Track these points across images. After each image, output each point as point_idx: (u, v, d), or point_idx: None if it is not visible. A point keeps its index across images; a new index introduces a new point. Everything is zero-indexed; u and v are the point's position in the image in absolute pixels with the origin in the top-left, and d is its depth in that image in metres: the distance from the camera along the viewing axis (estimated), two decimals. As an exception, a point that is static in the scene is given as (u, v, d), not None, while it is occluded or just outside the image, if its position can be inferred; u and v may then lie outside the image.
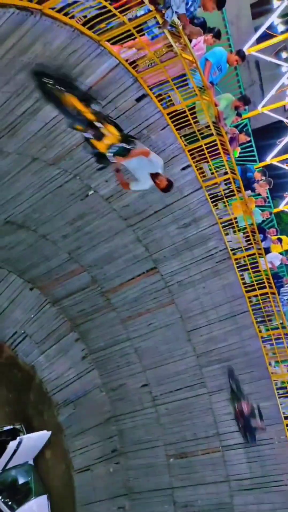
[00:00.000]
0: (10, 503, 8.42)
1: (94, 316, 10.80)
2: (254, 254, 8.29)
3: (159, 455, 10.11)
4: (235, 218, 8.10)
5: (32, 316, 10.88)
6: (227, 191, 7.94)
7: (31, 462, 9.79)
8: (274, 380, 8.74)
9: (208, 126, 7.35)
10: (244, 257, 8.32)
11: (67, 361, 11.20)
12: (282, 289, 8.86)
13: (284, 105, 8.96)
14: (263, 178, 8.53)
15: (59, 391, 11.29)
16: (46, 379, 11.26)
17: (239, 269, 8.52)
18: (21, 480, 9.22)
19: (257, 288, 8.42)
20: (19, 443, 8.59)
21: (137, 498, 10.12)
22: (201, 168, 7.97)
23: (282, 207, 9.19)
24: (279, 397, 8.63)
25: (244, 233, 8.26)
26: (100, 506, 10.43)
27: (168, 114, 7.35)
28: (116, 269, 10.12)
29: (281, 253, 9.20)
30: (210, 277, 9.08)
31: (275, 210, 9.35)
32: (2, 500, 8.40)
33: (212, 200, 8.22)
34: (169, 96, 7.23)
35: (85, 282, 10.48)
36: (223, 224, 8.33)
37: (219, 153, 7.51)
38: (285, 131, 10.40)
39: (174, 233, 9.12)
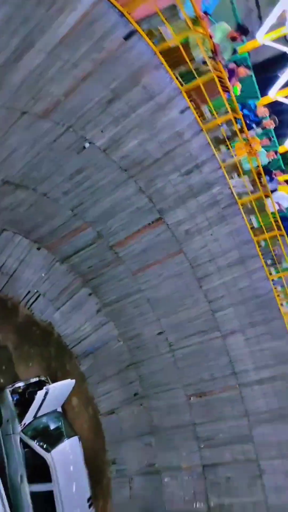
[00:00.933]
0: (45, 446, 9.22)
1: (104, 270, 11.02)
2: (260, 197, 8.13)
3: (179, 396, 10.80)
4: (239, 160, 7.84)
5: (43, 275, 11.14)
6: (229, 132, 7.59)
7: (59, 409, 10.58)
8: (287, 320, 9.00)
9: (204, 62, 6.87)
10: (250, 200, 8.16)
11: (82, 315, 11.65)
12: (290, 228, 8.80)
13: (286, 35, 8.17)
14: (267, 114, 8.04)
15: (78, 344, 11.89)
16: (64, 333, 11.81)
17: (246, 213, 8.42)
18: (52, 426, 10.04)
19: (265, 231, 8.37)
20: (46, 392, 9.16)
21: (162, 436, 11.01)
22: (200, 110, 7.59)
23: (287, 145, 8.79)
24: (292, 335, 8.96)
25: (249, 176, 8.03)
26: (128, 444, 11.45)
27: (160, 52, 6.87)
28: (121, 223, 10.12)
29: (289, 194, 8.95)
30: (217, 223, 9.02)
31: (281, 150, 8.93)
32: (37, 443, 9.23)
33: (214, 143, 7.91)
34: (160, 32, 6.71)
35: (91, 238, 10.56)
36: (227, 168, 8.08)
37: (218, 92, 7.08)
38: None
39: (176, 181, 8.93)
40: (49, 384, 10.33)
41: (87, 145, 9.18)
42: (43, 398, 9.24)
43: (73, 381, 10.25)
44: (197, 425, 10.42)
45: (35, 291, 11.30)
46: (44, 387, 9.44)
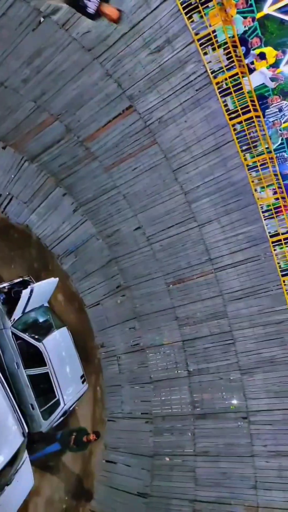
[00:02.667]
0: (36, 336, 9.95)
1: (76, 168, 10.63)
2: (236, 74, 7.58)
3: (159, 284, 11.48)
4: (214, 31, 7.08)
5: (12, 176, 10.67)
6: (202, -5, 6.71)
7: (46, 304, 11.16)
8: (260, 205, 9.22)
9: None
10: (226, 79, 7.63)
11: (59, 216, 11.57)
12: (267, 110, 8.42)
13: None
14: None
15: (58, 244, 12.03)
16: (43, 235, 11.85)
17: (221, 94, 7.93)
18: (41, 319, 10.67)
19: (241, 114, 8.02)
20: (31, 290, 9.52)
21: (145, 319, 11.99)
22: None
23: (266, 10, 7.75)
24: (264, 219, 9.28)
25: (224, 49, 7.35)
26: (114, 330, 12.46)
27: None
28: (89, 114, 9.46)
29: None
30: (191, 108, 8.54)
31: (259, 15, 7.96)
32: (29, 335, 9.91)
33: (186, 11, 7.04)
34: None
35: (59, 132, 9.94)
36: (200, 42, 7.34)
37: None
38: None
39: (146, 60, 8.16)
40: (33, 283, 10.65)
41: (42, 19, 8.07)
42: (29, 295, 9.60)
43: (57, 279, 10.57)
44: (177, 308, 11.32)
45: (7, 193, 10.94)
46: (29, 286, 9.74)
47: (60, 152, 10.39)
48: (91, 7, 4.88)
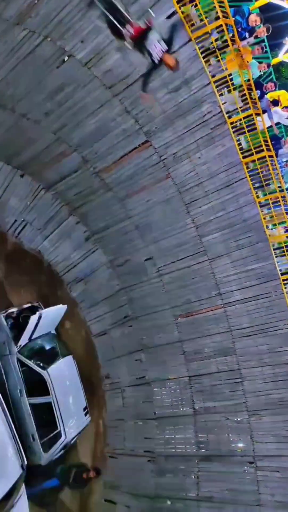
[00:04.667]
0: (41, 364, 9.89)
1: (91, 198, 10.89)
2: (251, 115, 7.83)
3: (167, 317, 11.39)
4: (230, 74, 7.40)
5: (28, 203, 10.99)
6: (219, 42, 7.05)
7: (53, 331, 11.16)
8: (271, 242, 9.25)
9: None
10: (240, 119, 7.88)
11: (71, 243, 11.75)
12: (280, 151, 8.62)
13: None
14: (259, 23, 7.36)
15: (68, 271, 12.15)
16: (54, 261, 12.00)
17: (235, 133, 8.17)
18: (47, 346, 10.64)
19: (254, 153, 8.21)
20: (39, 316, 9.55)
21: (151, 352, 11.81)
22: (188, 16, 6.95)
23: (281, 57, 8.12)
24: (275, 257, 9.28)
25: (239, 91, 7.64)
26: (120, 361, 12.29)
27: None
28: (106, 146, 9.79)
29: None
30: (205, 145, 8.79)
31: (274, 61, 8.33)
32: (34, 362, 9.86)
33: (203, 55, 7.39)
34: None
35: (76, 163, 10.27)
36: (217, 84, 7.65)
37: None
38: None
39: (164, 99, 8.50)
40: (42, 309, 10.70)
41: (66, 58, 8.54)
42: (37, 321, 9.63)
43: (65, 306, 10.61)
44: (184, 342, 11.17)
45: (22, 219, 11.22)
46: (37, 312, 9.79)
47: (76, 182, 10.69)
48: (156, 57, 6.02)
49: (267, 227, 9.09)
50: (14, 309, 10.35)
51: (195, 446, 11.04)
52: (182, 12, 6.99)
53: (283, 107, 8.23)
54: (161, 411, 11.52)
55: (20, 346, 9.72)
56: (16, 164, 10.40)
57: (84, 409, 10.46)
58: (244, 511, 9.98)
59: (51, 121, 9.54)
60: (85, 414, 10.47)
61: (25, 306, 10.70)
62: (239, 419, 10.56)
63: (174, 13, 7.24)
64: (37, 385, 9.57)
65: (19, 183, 10.70)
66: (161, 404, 11.59)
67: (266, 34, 7.38)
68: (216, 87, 7.77)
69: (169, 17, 7.36)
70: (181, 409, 11.20)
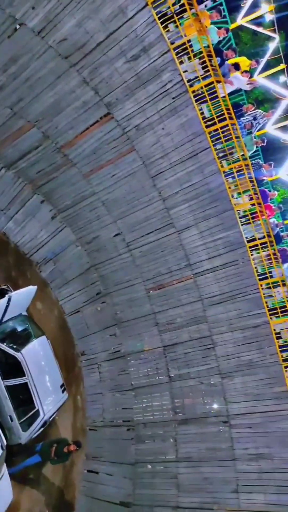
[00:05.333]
0: (14, 346, 9.70)
1: (54, 175, 10.50)
2: (212, 83, 7.69)
3: (139, 290, 11.41)
4: (189, 41, 7.17)
5: (-12, 183, 10.49)
6: (177, 6, 6.78)
7: (25, 313, 10.93)
8: (237, 210, 9.35)
9: None
10: (201, 87, 7.72)
11: (37, 223, 11.39)
12: (242, 118, 8.57)
13: None
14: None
15: (36, 251, 11.82)
16: (21, 242, 11.62)
17: (197, 102, 8.02)
18: (19, 328, 10.43)
19: (217, 122, 8.12)
20: (9, 299, 9.32)
21: (125, 326, 11.88)
22: (144, -23, 6.61)
23: (240, 21, 7.92)
24: (241, 225, 9.40)
25: (200, 58, 7.44)
26: (95, 337, 12.29)
27: None
28: (67, 120, 9.39)
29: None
30: (168, 116, 8.60)
31: (232, 26, 8.12)
32: (7, 345, 9.65)
33: (161, 20, 7.11)
34: None
35: (37, 139, 9.81)
36: (176, 51, 7.42)
37: None
38: None
39: (123, 68, 8.18)
40: (11, 291, 10.43)
41: (18, 26, 8.00)
42: (7, 304, 9.40)
43: (35, 287, 10.38)
44: (157, 314, 11.28)
45: (-17, 201, 10.71)
46: (6, 295, 9.52)
47: (37, 159, 10.26)
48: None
49: (232, 196, 9.15)
50: (-18, 294, 10.01)
51: (171, 411, 11.36)
52: (137, -26, 6.64)
53: (242, 72, 8.11)
54: (138, 381, 11.71)
55: (-10, 330, 9.49)
56: (-28, 142, 9.81)
57: (61, 386, 10.46)
58: (220, 466, 10.47)
59: (6, 95, 9.00)
60: (63, 391, 10.48)
61: (-7, 289, 10.39)
62: (212, 382, 10.91)
63: (128, -25, 6.87)
64: (11, 367, 9.43)
65: (-23, 163, 10.14)
66: (137, 375, 11.77)
67: (223, -2, 7.19)
68: (176, 54, 7.54)
69: (123, -21, 6.98)
70: (157, 378, 11.44)
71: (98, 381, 12.17)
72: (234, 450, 10.40)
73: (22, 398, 9.43)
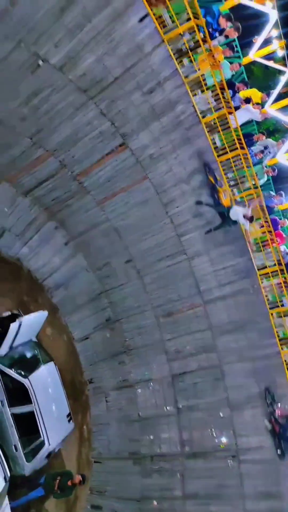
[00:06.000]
0: (22, 372, 9.32)
1: (69, 202, 10.49)
2: (224, 114, 7.73)
3: (149, 317, 11.03)
4: (202, 75, 7.29)
5: (6, 209, 10.47)
6: (191, 43, 6.94)
7: (34, 339, 10.60)
8: (248, 238, 9.13)
9: None
10: (214, 118, 7.77)
11: (51, 249, 11.27)
12: (253, 147, 8.57)
13: None
14: (229, 24, 7.35)
15: (48, 277, 11.62)
16: (34, 268, 11.46)
17: (210, 132, 8.04)
18: (28, 354, 10.06)
19: (228, 151, 8.11)
20: (19, 324, 9.03)
21: (134, 354, 11.39)
22: (160, 17, 6.82)
23: (252, 56, 8.12)
24: (252, 252, 9.14)
25: (212, 91, 7.54)
26: (103, 364, 11.79)
27: None
28: (83, 150, 9.47)
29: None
30: (181, 145, 8.63)
31: (245, 61, 8.32)
32: (15, 371, 9.28)
33: (176, 56, 7.26)
34: None
35: (54, 167, 9.88)
36: (190, 84, 7.53)
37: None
38: None
39: (139, 101, 8.31)
40: (22, 316, 10.19)
41: (41, 62, 8.25)
42: (17, 329, 9.13)
43: (46, 312, 10.15)
44: (166, 341, 10.83)
45: (0, 226, 10.69)
46: (17, 319, 9.28)
47: (54, 186, 10.29)
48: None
49: (243, 224, 8.95)
50: (-7, 319, 9.78)
51: (179, 444, 10.66)
52: (154, 14, 6.85)
53: (254, 104, 8.19)
54: (145, 412, 11.08)
55: (0, 355, 9.16)
56: (-8, 170, 9.93)
57: (68, 415, 9.95)
58: (228, 504, 9.63)
59: (27, 126, 9.16)
60: (69, 421, 9.95)
61: (5, 314, 10.16)
62: (221, 414, 10.27)
63: (146, 15, 7.10)
64: (18, 394, 9.01)
65: (-4, 190, 10.21)
66: (145, 406, 11.16)
67: (236, 35, 7.36)
68: (190, 87, 7.64)
69: (141, 19, 7.21)
70: (165, 409, 10.81)
71: (105, 411, 11.55)
72: (243, 488, 9.60)
73: (28, 427, 8.92)
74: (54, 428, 9.15)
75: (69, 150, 9.52)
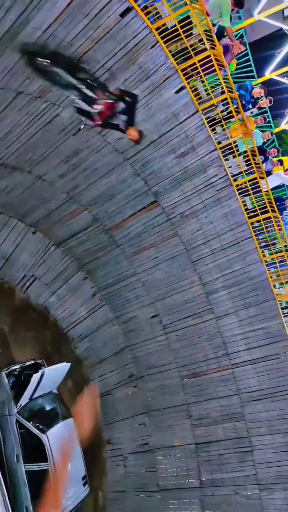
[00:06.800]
0: (40, 427, 9.19)
1: (99, 254, 10.91)
2: (255, 178, 8.04)
3: (173, 377, 10.81)
4: (235, 142, 7.73)
5: (38, 259, 11.00)
6: (224, 113, 7.46)
7: (55, 391, 10.55)
8: (279, 301, 9.01)
9: (201, 40, 6.71)
10: (245, 182, 8.08)
11: (78, 299, 11.56)
12: (284, 212, 8.73)
13: (283, 10, 7.91)
14: (262, 95, 7.91)
15: (74, 327, 11.81)
16: (60, 317, 11.72)
17: (241, 195, 8.34)
18: (48, 407, 9.99)
19: (259, 213, 8.31)
20: (42, 375, 9.10)
21: (156, 415, 11.04)
22: (196, 90, 7.44)
23: (283, 126, 8.58)
24: (284, 316, 8.96)
25: (244, 157, 7.92)
26: (123, 425, 11.45)
27: (156, 29, 6.69)
28: (116, 206, 10.00)
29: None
30: (212, 206, 8.94)
31: (276, 130, 8.79)
32: (33, 424, 9.18)
33: (210, 124, 7.79)
34: (156, 8, 6.52)
35: (87, 221, 10.43)
36: (222, 150, 7.97)
37: (214, 69, 6.93)
38: (285, 41, 9.36)
39: (172, 163, 8.82)
40: (45, 367, 10.27)
41: (82, 126, 9.02)
42: (39, 380, 9.18)
43: (69, 364, 10.18)
44: (190, 405, 10.46)
45: (31, 274, 11.15)
46: (40, 370, 9.35)
47: (85, 238, 10.78)
48: (122, 126, 6.40)
49: (274, 286, 8.91)
50: (16, 366, 9.91)
51: (202, 525, 9.87)
52: (191, 87, 7.48)
53: (285, 170, 8.49)
54: (165, 482, 10.47)
55: (20, 406, 9.15)
56: (29, 221, 10.59)
57: (83, 478, 9.57)
58: None
59: (65, 183, 9.84)
60: (84, 484, 9.56)
61: (28, 363, 10.27)
62: (249, 493, 9.52)
63: (182, 88, 7.75)
64: (35, 449, 8.84)
65: (30, 240, 10.80)
66: (165, 474, 10.58)
67: (268, 105, 7.83)
68: (222, 153, 8.08)
69: (177, 91, 7.87)
70: (187, 480, 10.19)
71: (122, 477, 11.03)
72: None
73: (41, 488, 8.62)
74: (69, 490, 8.81)
75: (103, 205, 10.07)
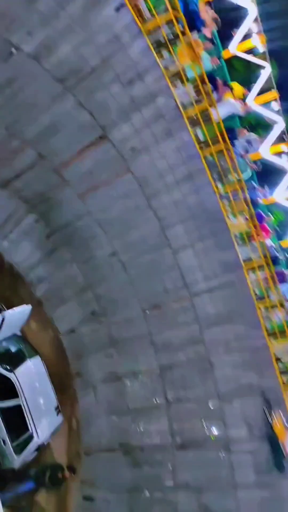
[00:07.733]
0: (8, 367, 9.89)
1: (49, 195, 10.81)
2: (205, 107, 8.03)
3: (135, 310, 11.61)
4: (183, 67, 7.54)
5: (-18, 201, 10.77)
6: (170, 35, 7.16)
7: (19, 333, 11.12)
8: (233, 231, 9.62)
9: None
10: (196, 113, 8.06)
11: (32, 242, 11.63)
12: (235, 141, 8.91)
13: None
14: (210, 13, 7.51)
15: (31, 270, 12.06)
16: (16, 262, 11.85)
17: (192, 125, 8.35)
18: (13, 349, 10.62)
19: (211, 145, 8.45)
20: (2, 319, 9.57)
21: (121, 347, 12.04)
22: (137, 7, 7.00)
23: (233, 50, 8.35)
24: (237, 246, 9.66)
25: (193, 84, 7.80)
26: (90, 358, 12.40)
27: None
28: (62, 142, 9.73)
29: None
30: (163, 138, 8.94)
31: (225, 55, 8.55)
32: (0, 365, 9.83)
33: (155, 47, 7.48)
34: None
35: (32, 159, 10.13)
36: (170, 77, 7.78)
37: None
38: None
39: (118, 92, 8.55)
40: (5, 311, 10.64)
41: (14, 51, 8.37)
42: (0, 324, 9.61)
43: (29, 306, 10.63)
44: (153, 334, 11.45)
45: (-22, 220, 10.99)
46: (0, 314, 9.75)
47: (32, 178, 10.55)
48: None
49: (228, 217, 9.43)
50: (-25, 315, 10.21)
51: (169, 436, 11.44)
52: (132, 6, 7.02)
53: (235, 98, 8.49)
54: (134, 404, 11.82)
55: (-16, 351, 9.68)
56: None
57: (56, 408, 10.60)
58: (220, 494, 10.53)
59: (2, 116, 9.35)
60: (57, 414, 10.62)
61: (-14, 309, 10.58)
62: (211, 406, 11.02)
63: (123, 4, 7.26)
64: (5, 389, 9.58)
65: (-29, 182, 10.44)
66: (134, 398, 11.89)
67: (216, 28, 7.56)
68: (170, 80, 7.90)
69: (117, 9, 7.37)
70: (154, 400, 11.55)
71: (93, 404, 12.28)
72: (235, 478, 10.46)
73: (15, 421, 9.57)
74: (43, 421, 9.81)
75: (48, 141, 9.76)
